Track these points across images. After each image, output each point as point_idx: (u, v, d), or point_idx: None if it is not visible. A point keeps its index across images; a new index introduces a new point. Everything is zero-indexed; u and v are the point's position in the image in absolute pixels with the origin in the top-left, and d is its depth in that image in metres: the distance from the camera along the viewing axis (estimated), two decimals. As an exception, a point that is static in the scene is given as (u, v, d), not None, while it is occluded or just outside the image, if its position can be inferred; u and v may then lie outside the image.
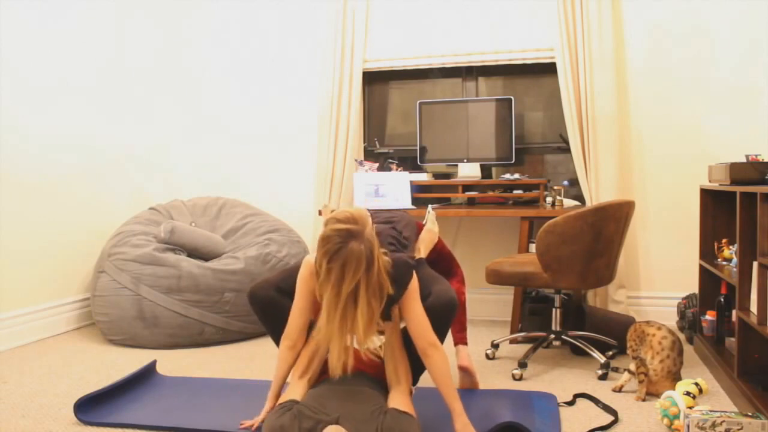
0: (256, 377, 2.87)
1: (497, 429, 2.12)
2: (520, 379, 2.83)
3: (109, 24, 4.13)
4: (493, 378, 2.86)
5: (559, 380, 2.81)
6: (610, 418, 2.34)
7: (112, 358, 3.25)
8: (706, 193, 3.27)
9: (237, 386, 2.73)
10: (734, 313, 2.75)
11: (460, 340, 2.73)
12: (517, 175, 3.84)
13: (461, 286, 2.77)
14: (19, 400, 2.60)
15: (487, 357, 3.17)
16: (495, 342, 3.19)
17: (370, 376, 2.18)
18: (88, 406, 2.41)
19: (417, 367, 2.25)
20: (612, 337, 3.16)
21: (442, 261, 2.80)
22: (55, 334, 3.72)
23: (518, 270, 2.94)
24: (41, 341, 3.58)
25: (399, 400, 2.06)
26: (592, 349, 2.95)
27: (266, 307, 2.40)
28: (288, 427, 1.93)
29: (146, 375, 2.78)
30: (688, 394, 2.22)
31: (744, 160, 2.87)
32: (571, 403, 2.50)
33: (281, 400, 2.09)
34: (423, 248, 2.61)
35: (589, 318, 3.25)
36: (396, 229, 2.46)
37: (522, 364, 2.85)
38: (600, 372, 2.82)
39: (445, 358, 2.10)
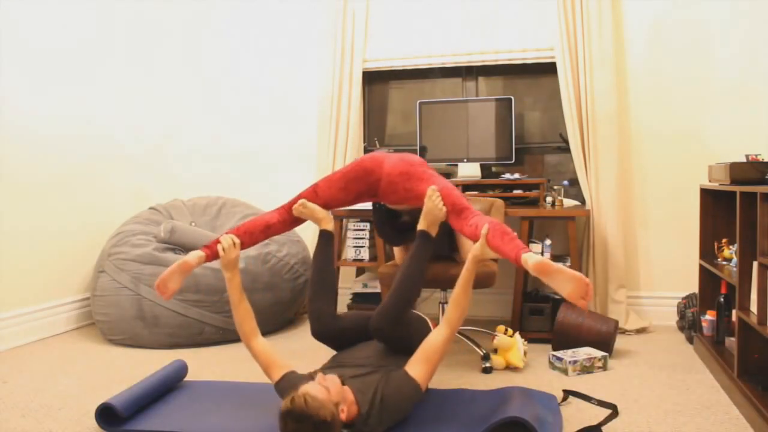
0: (256, 378, 2.87)
1: (503, 423, 2.12)
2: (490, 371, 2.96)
3: (110, 26, 4.13)
4: (494, 377, 2.87)
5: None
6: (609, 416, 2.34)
7: (112, 358, 3.25)
8: (706, 193, 3.27)
9: (234, 388, 2.73)
10: (734, 313, 2.75)
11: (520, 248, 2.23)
12: (517, 175, 3.84)
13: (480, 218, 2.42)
14: (19, 400, 2.60)
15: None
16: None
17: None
18: (110, 413, 2.32)
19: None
20: (580, 345, 3.15)
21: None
22: (55, 334, 3.72)
23: None
24: (41, 341, 3.58)
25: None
26: (474, 342, 3.16)
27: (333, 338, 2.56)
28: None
29: (176, 379, 2.70)
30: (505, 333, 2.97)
31: (744, 160, 2.87)
32: (564, 399, 2.52)
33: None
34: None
35: (560, 326, 3.21)
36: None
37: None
38: (485, 365, 2.97)
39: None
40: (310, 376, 2.24)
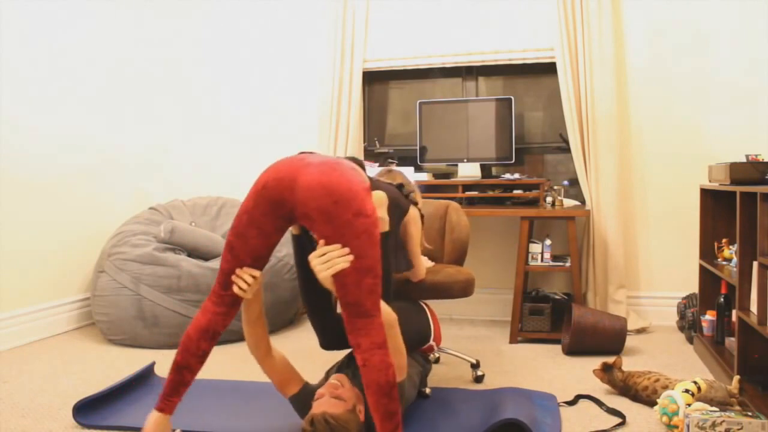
0: (255, 378, 2.87)
1: (499, 425, 2.12)
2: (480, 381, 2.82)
3: (109, 25, 4.13)
4: (492, 378, 2.88)
5: (558, 380, 2.82)
6: (611, 420, 2.34)
7: (112, 358, 3.25)
8: (706, 193, 3.27)
9: (235, 387, 2.74)
10: (734, 313, 2.75)
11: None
12: (517, 175, 3.84)
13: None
14: (19, 400, 2.60)
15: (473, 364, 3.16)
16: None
17: None
18: (86, 409, 2.39)
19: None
20: (596, 345, 3.15)
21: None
22: (55, 334, 3.72)
23: None
24: (41, 341, 3.58)
25: None
26: (461, 355, 2.96)
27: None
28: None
29: (145, 377, 2.77)
30: (686, 391, 2.23)
31: (744, 160, 2.88)
32: (572, 403, 2.51)
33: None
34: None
35: (577, 325, 3.17)
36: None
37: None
38: (477, 374, 2.82)
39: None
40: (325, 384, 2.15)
